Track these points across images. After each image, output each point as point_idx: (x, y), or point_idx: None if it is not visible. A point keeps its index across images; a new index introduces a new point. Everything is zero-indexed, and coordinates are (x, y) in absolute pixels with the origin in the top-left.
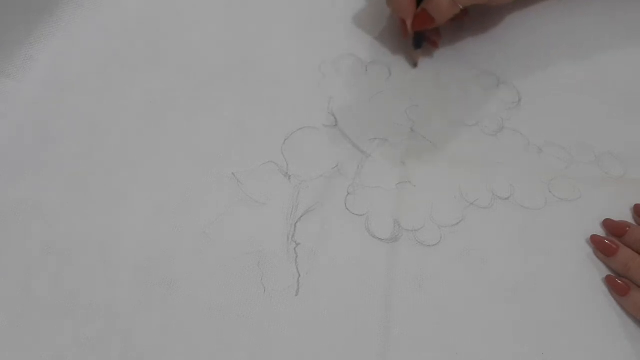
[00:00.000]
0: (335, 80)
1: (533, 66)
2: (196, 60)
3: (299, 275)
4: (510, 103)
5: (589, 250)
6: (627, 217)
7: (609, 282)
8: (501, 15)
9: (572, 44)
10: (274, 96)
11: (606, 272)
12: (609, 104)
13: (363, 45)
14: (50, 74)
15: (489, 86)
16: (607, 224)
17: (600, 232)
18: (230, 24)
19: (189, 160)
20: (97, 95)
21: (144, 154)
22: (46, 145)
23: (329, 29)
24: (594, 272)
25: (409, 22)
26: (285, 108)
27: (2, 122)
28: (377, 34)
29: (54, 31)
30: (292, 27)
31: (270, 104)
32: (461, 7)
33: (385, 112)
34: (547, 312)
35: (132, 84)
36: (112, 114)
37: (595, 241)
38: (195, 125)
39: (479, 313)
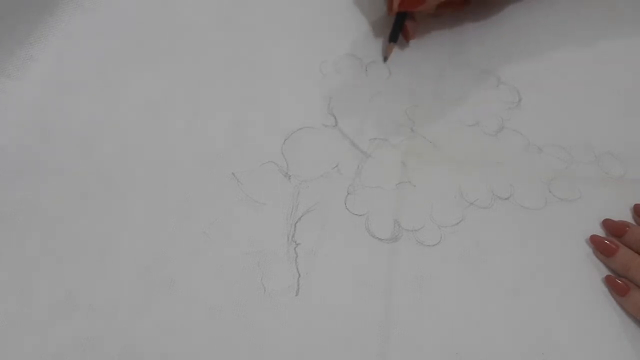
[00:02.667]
0: (335, 80)
1: (533, 66)
2: (196, 60)
3: (299, 275)
4: (510, 103)
5: (588, 250)
6: (627, 217)
7: (608, 282)
8: (501, 14)
9: (572, 44)
10: (274, 96)
11: (606, 272)
12: (609, 104)
13: (363, 45)
14: (50, 74)
15: (489, 86)
16: (607, 224)
17: (600, 232)
18: (230, 24)
19: (189, 160)
20: (97, 95)
21: (144, 154)
22: (46, 146)
23: (329, 29)
24: (594, 272)
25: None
26: (285, 108)
27: (2, 122)
28: (377, 34)
29: (54, 31)
30: (292, 27)
31: (270, 104)
32: None
33: (385, 112)
34: (547, 312)
35: (132, 84)
36: (111, 114)
37: (594, 241)
38: (195, 125)
39: (479, 313)
